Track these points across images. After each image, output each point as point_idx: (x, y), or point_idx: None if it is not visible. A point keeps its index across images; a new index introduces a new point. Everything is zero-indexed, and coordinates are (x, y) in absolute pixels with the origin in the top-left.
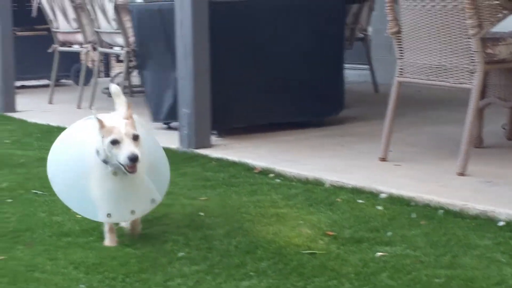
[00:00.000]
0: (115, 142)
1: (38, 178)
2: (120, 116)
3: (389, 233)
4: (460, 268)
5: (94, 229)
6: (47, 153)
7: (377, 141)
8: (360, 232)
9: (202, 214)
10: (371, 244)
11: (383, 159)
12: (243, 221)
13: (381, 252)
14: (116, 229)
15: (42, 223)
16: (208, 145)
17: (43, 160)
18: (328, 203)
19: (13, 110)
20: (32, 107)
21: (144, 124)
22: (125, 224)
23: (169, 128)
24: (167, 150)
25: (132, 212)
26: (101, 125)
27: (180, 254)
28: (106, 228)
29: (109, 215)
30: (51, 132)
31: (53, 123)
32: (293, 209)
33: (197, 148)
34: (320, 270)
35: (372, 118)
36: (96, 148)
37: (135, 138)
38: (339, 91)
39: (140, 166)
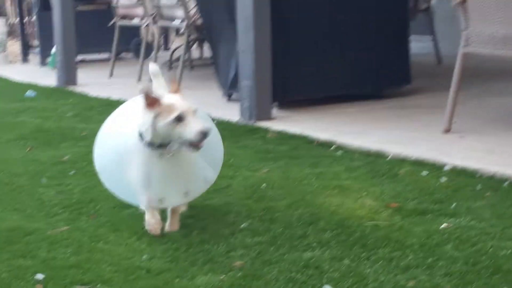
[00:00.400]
0: (179, 119)
1: None
2: (166, 92)
3: (454, 205)
4: None
5: None
6: None
7: (441, 113)
8: (424, 204)
9: (264, 186)
10: (435, 216)
11: (448, 131)
12: (305, 193)
13: (446, 223)
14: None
15: (104, 195)
16: (269, 118)
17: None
18: (391, 175)
19: (74, 84)
20: (93, 81)
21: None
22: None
23: (230, 100)
24: (228, 123)
25: (186, 194)
26: (155, 103)
27: (243, 225)
28: (147, 216)
29: (162, 199)
30: (112, 106)
31: (114, 96)
32: (355, 181)
33: (258, 121)
34: (383, 242)
35: (435, 90)
36: (139, 132)
37: (195, 112)
38: (405, 63)
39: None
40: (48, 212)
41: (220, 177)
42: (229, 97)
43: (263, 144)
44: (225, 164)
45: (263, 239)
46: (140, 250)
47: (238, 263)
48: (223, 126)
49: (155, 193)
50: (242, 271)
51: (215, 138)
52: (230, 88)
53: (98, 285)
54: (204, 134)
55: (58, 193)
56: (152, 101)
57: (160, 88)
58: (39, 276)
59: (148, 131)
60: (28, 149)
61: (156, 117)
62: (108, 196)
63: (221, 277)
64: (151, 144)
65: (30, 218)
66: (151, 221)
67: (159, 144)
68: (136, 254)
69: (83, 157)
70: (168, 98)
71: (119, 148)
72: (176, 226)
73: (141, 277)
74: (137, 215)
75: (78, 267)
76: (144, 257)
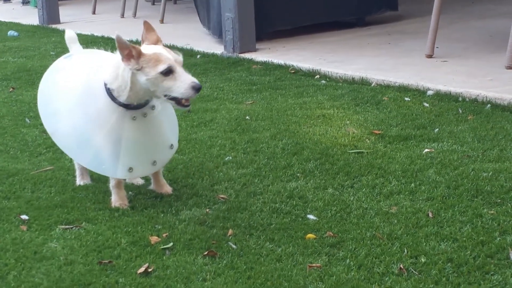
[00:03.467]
0: (168, 72)
1: None
2: (149, 42)
3: (436, 130)
4: (508, 161)
5: None
6: None
7: (423, 38)
8: (407, 130)
9: (248, 118)
10: (418, 141)
11: (430, 56)
12: (289, 123)
13: (428, 148)
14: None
15: None
16: (253, 49)
17: None
18: (375, 102)
19: (57, 21)
20: (75, 18)
21: None
22: (140, 181)
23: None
24: (212, 56)
25: (154, 162)
26: (136, 54)
27: (227, 158)
28: (112, 183)
29: (130, 169)
30: (96, 42)
31: (97, 33)
32: (339, 109)
33: (241, 53)
34: (367, 169)
35: (418, 15)
36: (108, 89)
37: (181, 64)
38: None
39: (159, 110)
40: (32, 153)
41: (204, 110)
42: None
43: (247, 76)
44: (210, 98)
45: (248, 171)
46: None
47: (222, 196)
48: (207, 59)
49: (125, 162)
50: (226, 203)
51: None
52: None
53: (83, 224)
54: (196, 89)
55: (42, 132)
56: (130, 52)
57: (77, 52)
58: (24, 217)
59: (124, 89)
60: (11, 89)
61: (137, 70)
62: None
63: (206, 211)
64: (126, 105)
65: (14, 159)
66: (117, 199)
67: (136, 105)
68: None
69: None
70: (150, 48)
71: (81, 109)
72: (167, 188)
73: (126, 214)
74: None
75: (63, 207)
76: (129, 193)
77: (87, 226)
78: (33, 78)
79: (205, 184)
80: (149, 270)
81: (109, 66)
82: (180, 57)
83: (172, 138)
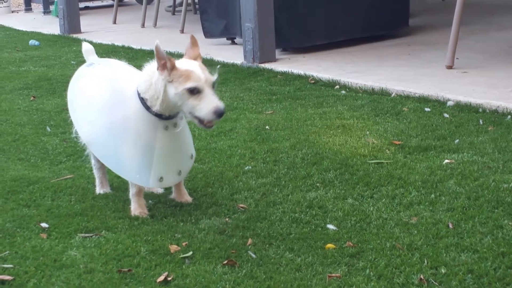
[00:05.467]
0: (194, 91)
1: None
2: (189, 57)
3: (457, 141)
4: None
5: None
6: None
7: (444, 49)
8: (427, 141)
9: (268, 127)
10: (438, 152)
11: (450, 67)
12: (309, 133)
13: (448, 159)
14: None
15: None
16: (273, 59)
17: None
18: (395, 113)
19: (78, 31)
20: (96, 28)
21: None
22: (159, 190)
23: (233, 43)
24: (232, 66)
25: (179, 172)
26: (171, 65)
27: (247, 167)
28: (132, 192)
29: (161, 178)
30: (116, 52)
31: (118, 42)
32: (359, 120)
33: (261, 63)
34: (386, 179)
35: (439, 27)
36: (142, 98)
37: (213, 86)
38: (405, 2)
39: (184, 121)
40: (52, 161)
41: (224, 120)
42: (232, 40)
43: (267, 86)
44: (229, 107)
45: (267, 180)
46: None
47: (242, 205)
48: (227, 69)
49: (157, 172)
50: (246, 213)
51: None
52: (223, 34)
53: (103, 232)
54: (219, 115)
55: (62, 141)
56: (165, 63)
57: (94, 63)
58: (44, 225)
59: (157, 98)
60: (32, 98)
61: (169, 82)
62: None
63: (226, 220)
64: (159, 115)
65: (35, 167)
66: (137, 207)
67: (168, 115)
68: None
69: None
70: (186, 63)
71: (112, 116)
72: (187, 197)
73: (146, 223)
74: None
75: (83, 215)
76: (149, 202)
77: (107, 234)
78: (54, 87)
79: (224, 194)
80: (169, 278)
81: (143, 75)
82: (212, 77)
83: (192, 148)
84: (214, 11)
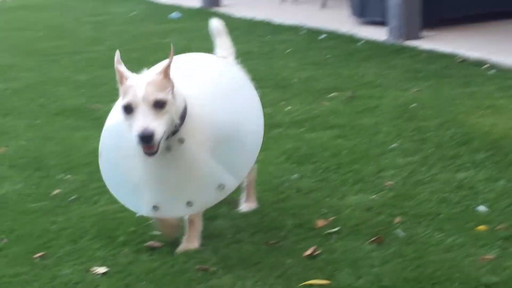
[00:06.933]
0: (128, 109)
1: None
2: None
3: None
4: None
5: (305, 120)
6: (253, 47)
7: None
8: None
9: (414, 105)
10: None
11: None
12: (457, 112)
13: None
14: None
15: None
16: (418, 37)
17: (249, 54)
18: None
19: (218, 5)
20: (237, 2)
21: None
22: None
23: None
24: (374, 42)
25: (189, 203)
26: (121, 79)
27: (393, 145)
28: (157, 221)
29: (155, 207)
30: (257, 26)
31: (259, 17)
32: (510, 100)
33: (406, 40)
34: None
35: None
36: None
37: (159, 105)
38: None
39: (196, 143)
40: None
41: (368, 97)
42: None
43: (412, 64)
44: (373, 84)
45: (414, 159)
46: (289, 169)
47: (389, 183)
48: (369, 46)
49: (149, 198)
50: (393, 191)
51: (249, 124)
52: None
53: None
54: (141, 139)
55: None
56: (119, 75)
57: (222, 50)
58: None
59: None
60: None
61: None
62: None
63: (372, 197)
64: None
65: None
66: (160, 226)
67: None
68: (286, 173)
69: None
70: (137, 76)
71: (115, 140)
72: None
73: (291, 197)
74: (285, 134)
75: None
76: (295, 176)
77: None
78: None
79: (370, 171)
80: (316, 253)
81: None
82: (154, 94)
83: (225, 178)
84: None
